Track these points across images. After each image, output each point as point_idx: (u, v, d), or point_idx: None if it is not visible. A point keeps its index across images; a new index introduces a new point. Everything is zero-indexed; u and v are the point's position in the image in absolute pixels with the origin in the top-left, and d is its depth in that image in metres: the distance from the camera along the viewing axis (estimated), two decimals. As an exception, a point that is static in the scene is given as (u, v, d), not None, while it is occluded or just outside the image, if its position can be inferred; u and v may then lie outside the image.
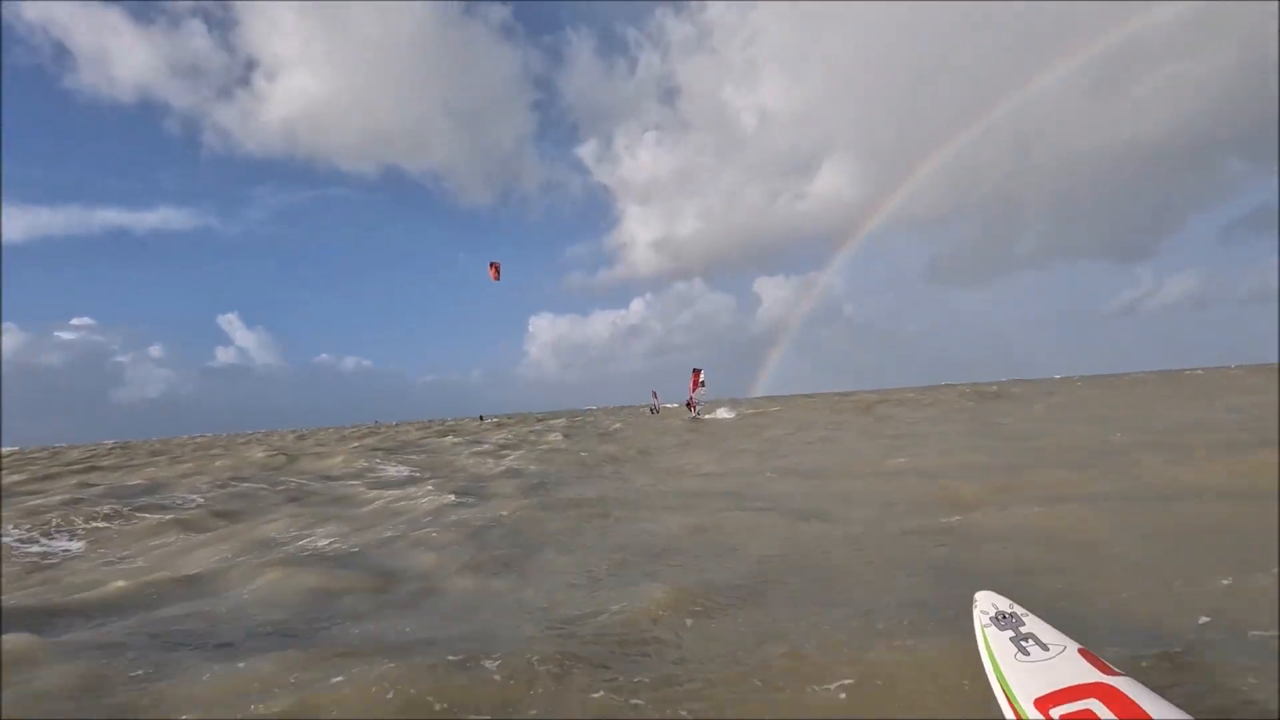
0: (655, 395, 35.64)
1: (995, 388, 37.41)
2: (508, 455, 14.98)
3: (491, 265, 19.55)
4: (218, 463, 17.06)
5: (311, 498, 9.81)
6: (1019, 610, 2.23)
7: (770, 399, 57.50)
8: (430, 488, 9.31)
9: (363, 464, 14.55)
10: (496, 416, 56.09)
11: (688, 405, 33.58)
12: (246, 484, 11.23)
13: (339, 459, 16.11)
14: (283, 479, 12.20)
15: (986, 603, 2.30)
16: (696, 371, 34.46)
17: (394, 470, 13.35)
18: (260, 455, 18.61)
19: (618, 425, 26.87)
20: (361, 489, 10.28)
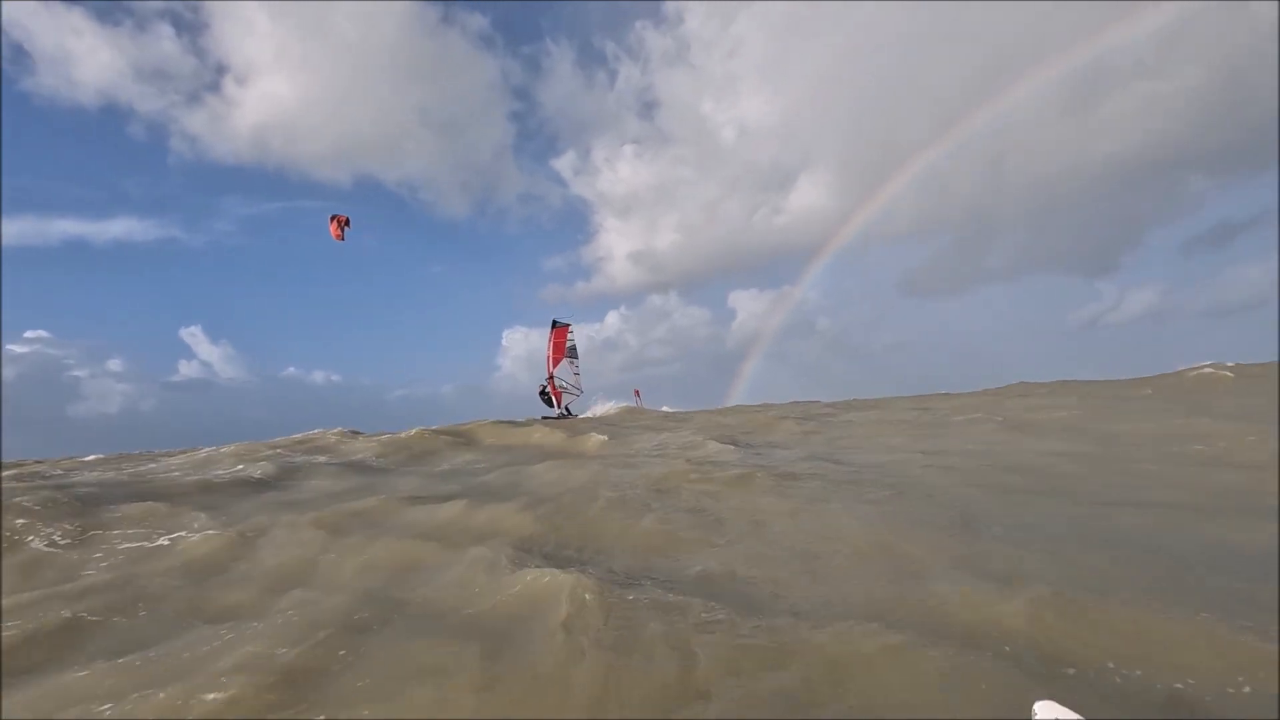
0: (638, 393, 24.67)
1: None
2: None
3: (333, 219, 14.18)
4: None
5: None
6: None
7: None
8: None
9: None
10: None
11: (542, 394, 19.98)
12: None
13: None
14: None
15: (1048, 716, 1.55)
16: (560, 329, 20.31)
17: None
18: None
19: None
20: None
